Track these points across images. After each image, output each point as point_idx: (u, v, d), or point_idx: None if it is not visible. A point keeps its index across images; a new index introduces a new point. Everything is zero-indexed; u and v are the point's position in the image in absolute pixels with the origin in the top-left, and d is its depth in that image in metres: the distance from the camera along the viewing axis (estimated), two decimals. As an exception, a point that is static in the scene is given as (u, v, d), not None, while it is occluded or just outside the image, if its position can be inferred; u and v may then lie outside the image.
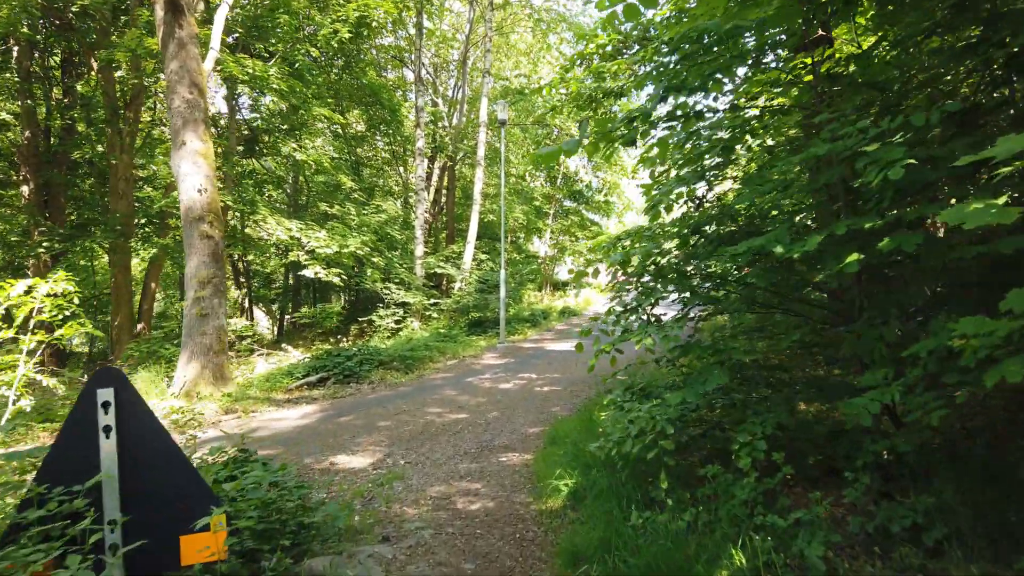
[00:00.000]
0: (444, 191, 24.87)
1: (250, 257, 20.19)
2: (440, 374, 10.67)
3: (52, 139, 15.30)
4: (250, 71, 12.84)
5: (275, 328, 30.45)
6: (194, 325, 8.70)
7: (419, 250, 17.35)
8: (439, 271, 17.51)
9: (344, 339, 17.18)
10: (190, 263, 8.75)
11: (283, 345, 16.90)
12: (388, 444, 6.35)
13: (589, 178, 20.41)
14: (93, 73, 14.35)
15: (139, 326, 15.72)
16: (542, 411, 7.52)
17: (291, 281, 24.98)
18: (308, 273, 15.00)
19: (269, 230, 14.14)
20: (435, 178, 26.54)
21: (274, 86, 13.39)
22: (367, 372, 10.51)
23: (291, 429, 7.32)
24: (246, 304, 24.24)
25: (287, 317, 28.04)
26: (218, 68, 11.76)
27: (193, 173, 8.68)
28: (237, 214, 15.83)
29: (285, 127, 18.21)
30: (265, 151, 17.81)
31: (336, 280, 15.45)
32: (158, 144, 15.54)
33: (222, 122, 17.75)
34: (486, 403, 8.09)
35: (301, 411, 8.35)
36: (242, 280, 24.46)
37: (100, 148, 15.64)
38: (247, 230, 15.68)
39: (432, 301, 16.65)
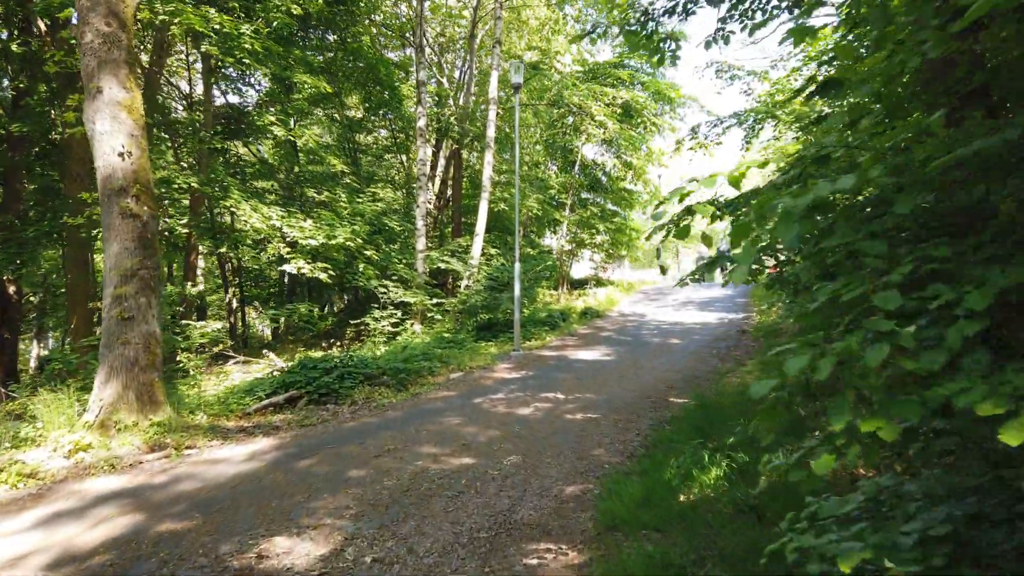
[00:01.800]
0: (450, 182, 22.72)
1: (242, 254, 18.12)
2: (441, 392, 8.50)
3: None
4: (217, 26, 10.74)
5: (272, 331, 28.51)
6: (114, 332, 6.57)
7: (420, 244, 15.20)
8: (443, 267, 15.34)
9: (340, 344, 15.05)
10: (109, 249, 6.63)
11: (265, 351, 14.82)
12: (355, 515, 4.19)
13: (612, 162, 18.16)
14: (40, 32, 12.28)
15: (98, 329, 13.66)
16: (581, 454, 5.33)
17: (286, 280, 22.96)
18: (290, 268, 12.89)
19: (243, 218, 12.04)
20: (440, 168, 24.47)
21: (247, 46, 11.28)
22: (349, 389, 8.37)
23: (228, 479, 5.18)
24: (234, 305, 22.26)
25: (281, 320, 26.08)
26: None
27: (112, 131, 6.56)
28: (229, 205, 13.73)
29: (275, 110, 16.19)
30: (248, 133, 15.70)
31: (323, 277, 13.33)
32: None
33: (197, 96, 15.71)
34: (500, 439, 5.91)
35: (252, 447, 6.21)
36: (231, 278, 22.48)
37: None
38: (223, 218, 13.49)
39: (435, 301, 14.50)
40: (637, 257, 23.30)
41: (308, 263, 12.96)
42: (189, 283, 13.54)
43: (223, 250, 13.67)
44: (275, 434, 6.75)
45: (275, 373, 8.93)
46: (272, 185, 17.17)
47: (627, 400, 7.21)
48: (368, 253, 13.57)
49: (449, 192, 22.68)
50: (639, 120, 18.44)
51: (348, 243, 12.93)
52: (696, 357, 9.72)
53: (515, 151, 12.62)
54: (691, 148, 10.90)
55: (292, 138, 13.83)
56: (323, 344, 16.61)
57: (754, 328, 11.87)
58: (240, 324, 26.69)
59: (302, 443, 6.24)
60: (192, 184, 11.69)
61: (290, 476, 5.16)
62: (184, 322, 11.77)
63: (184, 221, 13.08)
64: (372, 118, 20.61)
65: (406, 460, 5.38)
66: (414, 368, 9.33)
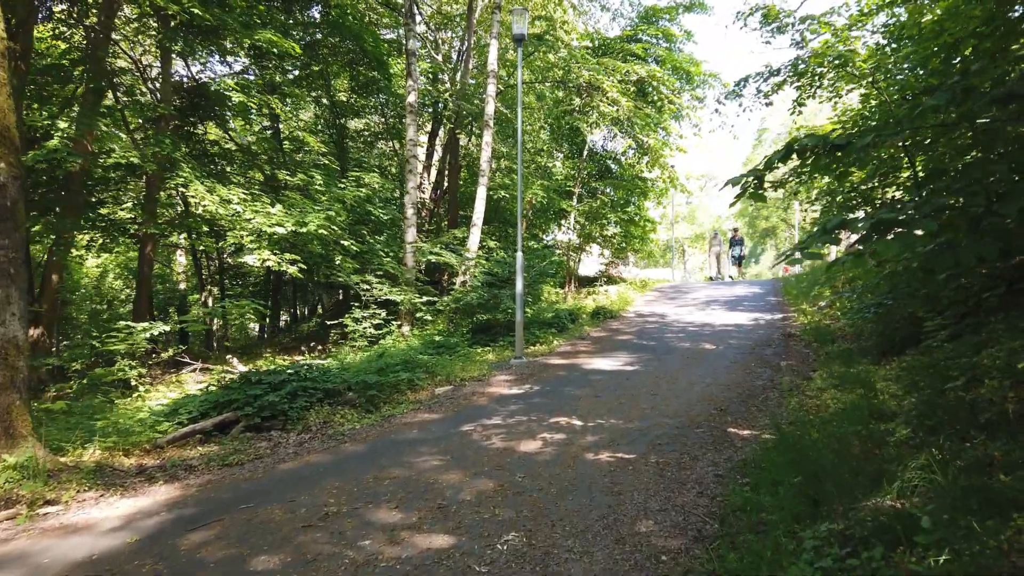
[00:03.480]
0: (447, 171, 20.83)
1: (198, 244, 16.20)
2: (421, 414, 6.58)
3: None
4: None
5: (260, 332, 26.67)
6: (-47, 338, 4.70)
7: (410, 235, 13.28)
8: (434, 260, 13.42)
9: (321, 348, 13.17)
10: (-53, 223, 4.76)
11: (229, 356, 12.94)
12: None
13: (624, 144, 16.16)
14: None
15: (33, 331, 11.79)
16: (617, 532, 3.40)
17: (272, 276, 21.06)
18: (251, 259, 10.99)
19: (194, 199, 10.15)
20: (437, 157, 22.59)
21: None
22: (302, 411, 6.47)
23: (69, 568, 3.30)
24: (210, 304, 20.42)
25: (267, 321, 24.23)
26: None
27: (-49, 57, 4.70)
28: (176, 184, 11.79)
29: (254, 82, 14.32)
30: (211, 109, 13.79)
31: (292, 270, 11.43)
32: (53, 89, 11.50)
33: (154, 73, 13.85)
34: (494, 497, 4.00)
35: (138, 503, 4.32)
36: (205, 275, 20.62)
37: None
38: (177, 202, 11.52)
39: (426, 299, 12.59)
40: (651, 252, 21.33)
41: (275, 254, 11.06)
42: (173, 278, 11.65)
43: (175, 239, 11.77)
44: (182, 479, 4.85)
45: (212, 388, 7.03)
46: (254, 174, 15.26)
47: (669, 430, 5.28)
48: (346, 244, 11.65)
49: (447, 183, 20.80)
50: (657, 98, 16.50)
51: (321, 231, 11.02)
52: (741, 367, 7.80)
53: (517, 111, 10.71)
54: (741, 109, 9.03)
55: (251, 105, 11.92)
56: (302, 348, 14.76)
57: (802, 331, 9.94)
58: (221, 325, 24.97)
59: (210, 497, 4.34)
60: (132, 160, 9.80)
61: (163, 564, 3.26)
62: (122, 323, 9.88)
63: (130, 206, 11.21)
64: (361, 101, 18.70)
65: (348, 539, 3.47)
66: (390, 382, 7.41)
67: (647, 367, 8.19)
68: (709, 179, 63.22)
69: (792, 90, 8.62)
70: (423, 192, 23.11)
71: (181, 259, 24.60)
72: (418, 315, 12.41)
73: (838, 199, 8.45)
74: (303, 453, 5.38)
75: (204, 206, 10.25)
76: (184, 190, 10.12)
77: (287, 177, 12.94)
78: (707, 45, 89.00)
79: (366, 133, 21.86)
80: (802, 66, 7.96)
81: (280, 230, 10.89)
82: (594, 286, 18.41)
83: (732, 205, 4.02)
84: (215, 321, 19.90)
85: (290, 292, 23.86)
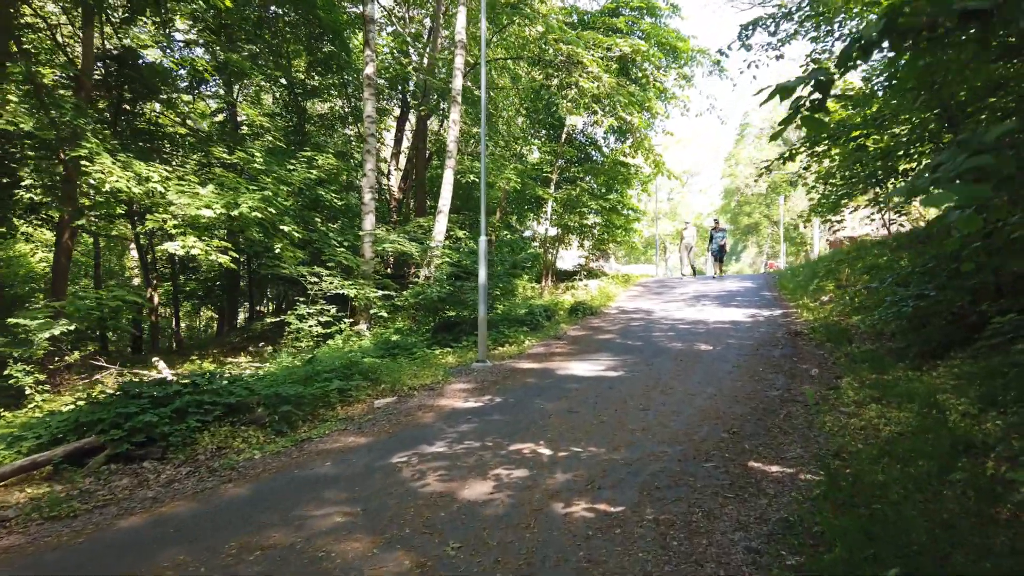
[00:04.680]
0: (416, 157, 19.33)
1: (105, 229, 14.48)
2: (346, 437, 5.11)
3: None
4: None
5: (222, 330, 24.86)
6: None
7: (368, 223, 11.77)
8: (390, 249, 11.91)
9: (275, 349, 11.59)
10: None
11: (155, 359, 11.34)
12: None
13: (607, 124, 14.67)
14: None
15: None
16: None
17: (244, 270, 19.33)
18: (174, 246, 9.40)
19: (97, 173, 8.55)
20: (406, 144, 21.08)
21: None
22: (191, 433, 4.97)
23: None
24: (155, 300, 18.72)
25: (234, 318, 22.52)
26: None
27: None
28: (79, 155, 10.06)
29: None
30: (153, 89, 12.11)
31: (223, 260, 9.87)
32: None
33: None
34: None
35: None
36: (151, 269, 18.89)
37: None
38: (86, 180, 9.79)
39: (382, 293, 11.10)
40: (635, 245, 19.90)
41: (202, 241, 9.50)
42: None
43: (83, 222, 10.14)
44: (-31, 546, 3.34)
45: (80, 404, 5.48)
46: (197, 158, 13.56)
47: (668, 463, 3.90)
48: (287, 229, 10.08)
49: (416, 172, 19.30)
50: (641, 75, 15.13)
51: (255, 215, 9.46)
52: (748, 373, 6.45)
53: (481, 71, 9.30)
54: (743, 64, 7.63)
55: (173, 67, 10.35)
56: (250, 349, 13.20)
57: (810, 329, 8.64)
58: (172, 323, 23.17)
59: (-22, 585, 2.85)
60: (20, 124, 8.18)
61: None
62: (13, 321, 8.26)
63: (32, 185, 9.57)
64: (320, 79, 17.10)
65: None
66: (314, 395, 5.92)
67: (634, 373, 6.80)
68: (691, 175, 62.37)
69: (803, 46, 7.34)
70: (390, 180, 21.61)
71: (136, 253, 22.79)
72: (372, 311, 10.92)
73: (857, 167, 7.18)
74: (166, 498, 3.89)
75: (114, 183, 8.63)
76: (89, 164, 8.49)
77: (223, 155, 11.36)
78: (696, 23, 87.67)
79: (330, 117, 20.28)
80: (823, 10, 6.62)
81: (207, 213, 9.32)
82: (573, 280, 17.02)
83: (774, 137, 2.64)
84: (153, 318, 18.20)
85: (250, 287, 22.15)
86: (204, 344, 19.36)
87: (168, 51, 13.57)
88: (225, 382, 5.64)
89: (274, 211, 9.91)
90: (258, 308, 24.16)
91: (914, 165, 6.32)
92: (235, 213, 9.38)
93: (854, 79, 9.11)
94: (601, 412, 5.25)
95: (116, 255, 25.27)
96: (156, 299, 18.96)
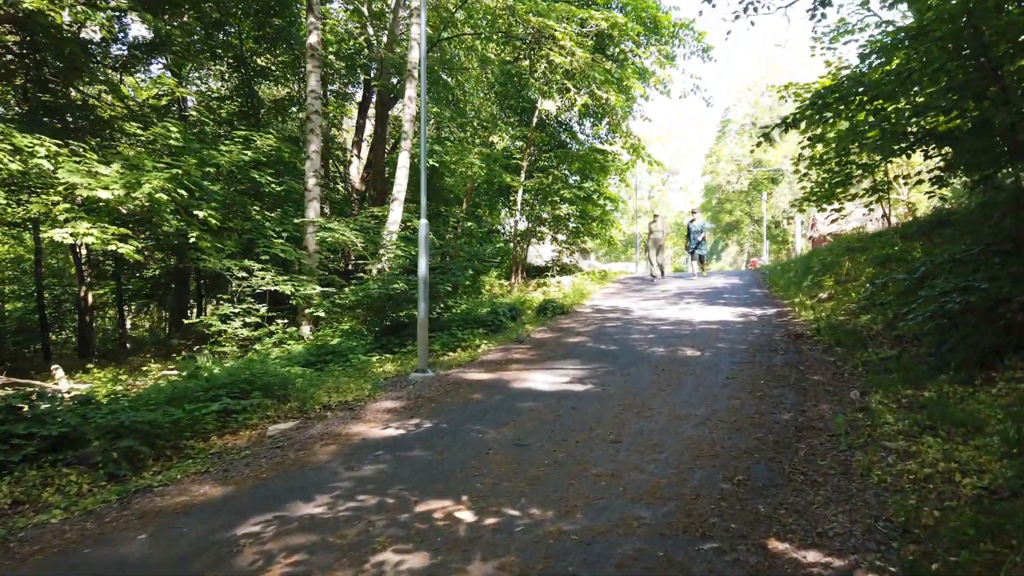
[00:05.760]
0: (376, 144, 17.85)
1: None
2: (193, 487, 3.68)
3: None
4: None
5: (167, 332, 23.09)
6: None
7: (311, 211, 10.31)
8: (329, 239, 10.44)
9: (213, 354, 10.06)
10: None
11: (55, 368, 9.80)
12: None
13: (580, 103, 13.20)
14: None
15: None
16: None
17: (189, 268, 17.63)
18: (61, 235, 7.84)
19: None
20: (368, 132, 19.57)
21: None
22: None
23: None
24: (89, 300, 17.06)
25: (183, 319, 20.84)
26: None
27: None
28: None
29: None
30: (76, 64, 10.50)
31: (126, 250, 8.34)
32: None
33: None
34: None
35: None
36: (87, 269, 17.17)
37: None
38: None
39: (320, 290, 9.65)
40: (612, 238, 18.47)
41: (96, 227, 7.96)
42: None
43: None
44: None
45: None
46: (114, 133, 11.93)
47: (649, 544, 2.54)
48: (202, 215, 8.56)
49: (375, 159, 17.82)
50: (618, 52, 13.83)
51: (160, 196, 7.94)
52: (745, 387, 5.13)
53: (421, 17, 7.91)
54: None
55: (107, 37, 8.79)
56: (184, 354, 11.65)
57: (813, 331, 7.37)
58: (116, 327, 21.46)
59: None
60: None
61: None
62: None
63: None
64: (269, 57, 15.58)
65: None
66: (180, 420, 4.46)
67: (605, 386, 5.46)
68: (671, 174, 61.46)
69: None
70: (351, 169, 20.08)
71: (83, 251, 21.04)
72: (308, 311, 9.47)
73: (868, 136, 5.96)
74: None
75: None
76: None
77: (138, 130, 9.81)
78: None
79: (286, 101, 18.76)
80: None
81: (104, 194, 7.79)
82: (545, 277, 15.67)
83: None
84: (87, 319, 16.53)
85: (198, 284, 20.45)
86: (141, 347, 17.68)
87: (88, 18, 11.97)
88: (45, 406, 4.17)
89: (186, 194, 8.39)
90: (209, 307, 22.52)
91: (958, 123, 5.07)
92: (136, 194, 7.86)
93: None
94: (557, 446, 3.89)
95: (65, 252, 23.44)
96: (91, 298, 17.29)
